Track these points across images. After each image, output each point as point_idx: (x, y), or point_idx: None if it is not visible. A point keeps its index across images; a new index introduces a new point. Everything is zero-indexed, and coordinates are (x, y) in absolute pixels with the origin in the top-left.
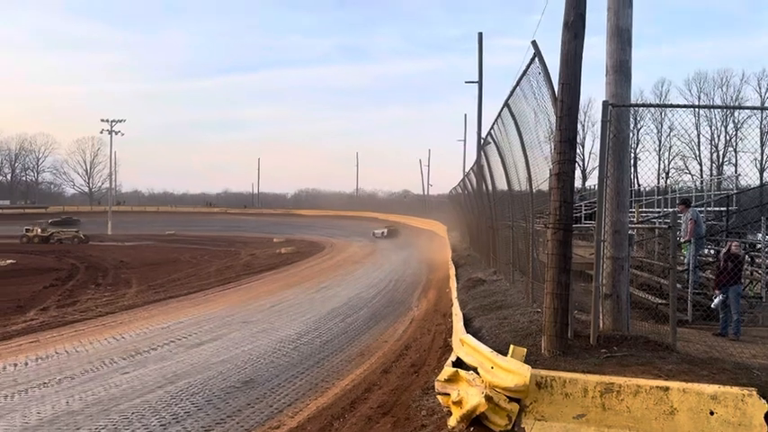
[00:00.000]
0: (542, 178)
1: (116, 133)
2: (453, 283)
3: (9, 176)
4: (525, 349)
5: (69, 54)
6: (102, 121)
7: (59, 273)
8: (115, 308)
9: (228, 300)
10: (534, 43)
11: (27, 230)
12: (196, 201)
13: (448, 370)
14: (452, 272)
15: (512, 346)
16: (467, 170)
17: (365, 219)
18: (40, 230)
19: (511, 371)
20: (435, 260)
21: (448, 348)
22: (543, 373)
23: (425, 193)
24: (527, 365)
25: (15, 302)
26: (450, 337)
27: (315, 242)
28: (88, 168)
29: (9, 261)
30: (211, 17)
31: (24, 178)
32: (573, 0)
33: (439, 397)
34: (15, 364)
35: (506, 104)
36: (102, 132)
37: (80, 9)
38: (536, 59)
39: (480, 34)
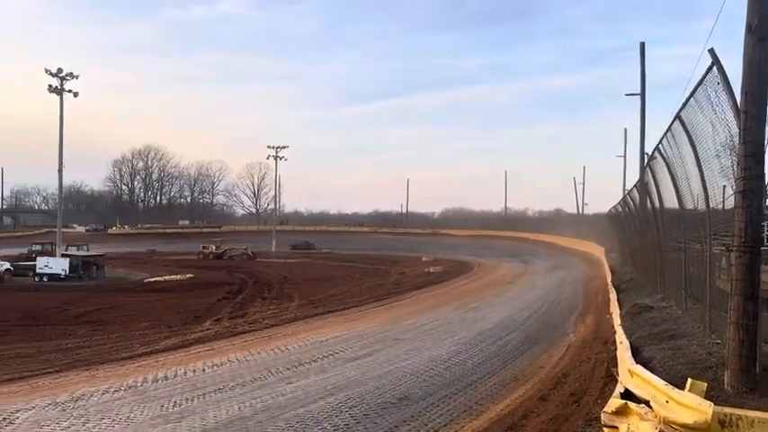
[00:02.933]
0: (720, 196)
1: (280, 158)
2: (615, 309)
3: (189, 199)
4: (705, 383)
5: (238, 86)
6: (269, 147)
7: (231, 287)
8: (279, 320)
9: (380, 317)
10: (712, 51)
11: (203, 247)
12: (349, 220)
13: (616, 401)
14: (613, 296)
15: (689, 380)
16: (628, 188)
17: (514, 239)
18: (214, 248)
19: (689, 406)
20: (592, 283)
21: (611, 378)
22: (727, 410)
23: (580, 212)
24: (708, 401)
25: (194, 313)
26: (614, 366)
27: (462, 262)
28: (255, 191)
29: (189, 275)
30: (363, 45)
31: (201, 201)
32: (756, 1)
33: (606, 430)
34: (194, 370)
35: (678, 117)
36: (268, 158)
37: (247, 44)
38: (714, 68)
39: (642, 44)
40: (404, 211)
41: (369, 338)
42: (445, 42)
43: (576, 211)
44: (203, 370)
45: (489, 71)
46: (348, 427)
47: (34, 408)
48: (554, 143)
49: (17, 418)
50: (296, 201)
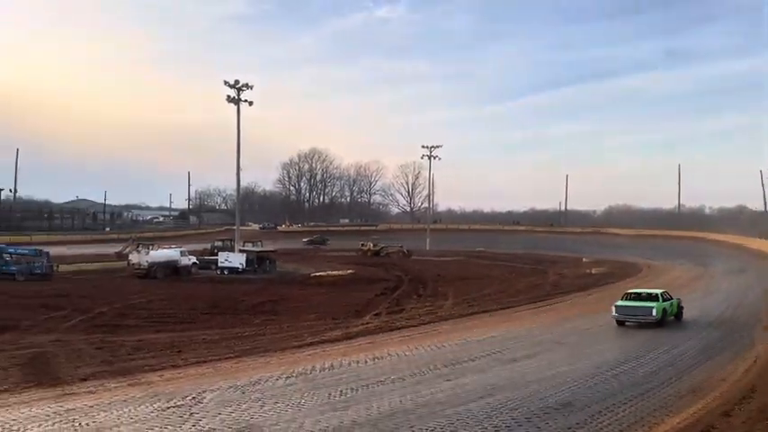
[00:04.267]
0: None
1: (434, 158)
2: None
3: (348, 198)
4: None
5: (395, 88)
6: (423, 147)
7: (387, 283)
8: (435, 317)
9: (538, 318)
10: None
11: (362, 245)
12: (503, 219)
13: None
14: None
15: None
16: None
17: (689, 238)
18: (372, 245)
19: None
20: None
21: None
22: None
23: None
24: None
25: (355, 307)
26: None
27: (629, 263)
28: (410, 190)
29: (349, 271)
30: (519, 39)
31: (360, 200)
32: None
33: None
34: (357, 362)
35: None
36: (422, 158)
37: (402, 47)
38: None
39: None
40: (562, 209)
41: (527, 340)
42: (611, 30)
43: (763, 209)
44: (365, 362)
45: (661, 58)
46: (509, 429)
47: (218, 389)
48: (737, 133)
49: (204, 398)
50: (449, 199)
